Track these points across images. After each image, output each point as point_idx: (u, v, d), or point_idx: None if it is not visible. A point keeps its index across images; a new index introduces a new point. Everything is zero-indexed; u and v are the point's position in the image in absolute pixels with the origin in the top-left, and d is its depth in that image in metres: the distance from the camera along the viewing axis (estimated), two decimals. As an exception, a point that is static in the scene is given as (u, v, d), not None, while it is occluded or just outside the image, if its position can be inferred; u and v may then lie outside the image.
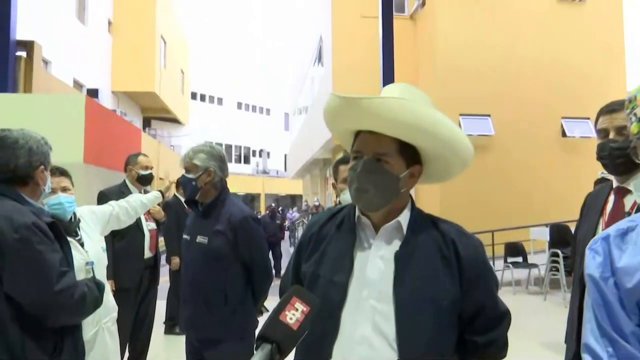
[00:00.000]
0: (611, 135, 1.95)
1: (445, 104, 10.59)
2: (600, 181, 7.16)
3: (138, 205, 3.10)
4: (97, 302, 1.87)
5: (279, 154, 40.32)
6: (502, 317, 1.36)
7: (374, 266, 1.30)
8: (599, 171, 11.43)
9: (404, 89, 1.35)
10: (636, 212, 1.87)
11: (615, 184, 2.02)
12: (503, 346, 1.37)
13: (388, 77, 7.74)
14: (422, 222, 1.36)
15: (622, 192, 1.97)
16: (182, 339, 5.50)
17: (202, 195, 2.54)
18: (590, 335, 1.13)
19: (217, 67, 36.82)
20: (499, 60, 10.91)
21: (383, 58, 7.68)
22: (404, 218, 1.34)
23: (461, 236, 1.33)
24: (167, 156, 16.26)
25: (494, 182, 10.74)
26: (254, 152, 39.28)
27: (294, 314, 0.98)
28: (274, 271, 2.81)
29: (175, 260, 5.65)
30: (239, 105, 39.39)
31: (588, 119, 11.33)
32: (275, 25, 39.86)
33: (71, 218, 2.42)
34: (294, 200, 37.71)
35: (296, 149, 25.40)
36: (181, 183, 2.57)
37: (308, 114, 20.06)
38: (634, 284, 1.05)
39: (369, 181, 1.29)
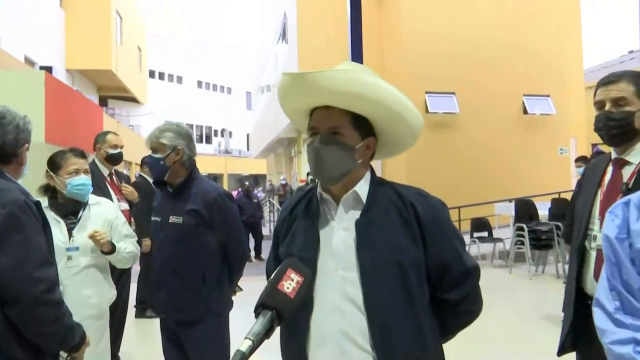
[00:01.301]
0: (607, 107, 1.95)
1: (411, 82, 10.63)
2: (581, 158, 7.37)
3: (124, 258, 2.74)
4: (66, 333, 1.69)
5: (241, 133, 39.89)
6: (470, 272, 1.41)
7: (339, 238, 1.37)
8: (558, 148, 11.83)
9: (351, 64, 1.43)
10: (634, 183, 1.89)
11: (613, 155, 2.03)
12: (475, 300, 1.43)
13: (356, 55, 7.64)
14: (382, 190, 1.41)
15: (621, 163, 1.98)
16: (153, 322, 5.47)
17: (172, 175, 2.47)
18: (602, 291, 1.24)
19: (176, 44, 35.81)
20: (463, 41, 11.00)
21: (351, 36, 7.58)
22: (361, 188, 1.40)
23: (420, 198, 1.39)
24: (126, 136, 15.65)
25: (459, 159, 10.92)
26: (215, 131, 38.68)
27: (290, 284, 1.05)
28: (254, 252, 2.76)
29: (147, 242, 5.50)
30: (199, 84, 38.62)
31: (548, 96, 11.65)
32: (236, 2, 38.89)
33: None
34: (257, 180, 37.41)
35: (260, 128, 25.14)
36: (148, 163, 2.51)
37: (272, 92, 19.78)
38: None
39: (327, 154, 1.34)
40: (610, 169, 2.02)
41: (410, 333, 1.31)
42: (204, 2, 38.38)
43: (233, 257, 2.50)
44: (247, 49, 35.32)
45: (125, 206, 3.97)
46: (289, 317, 1.04)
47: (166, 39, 34.61)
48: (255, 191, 24.83)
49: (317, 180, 1.41)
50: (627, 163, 1.96)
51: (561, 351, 2.09)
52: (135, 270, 4.75)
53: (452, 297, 1.39)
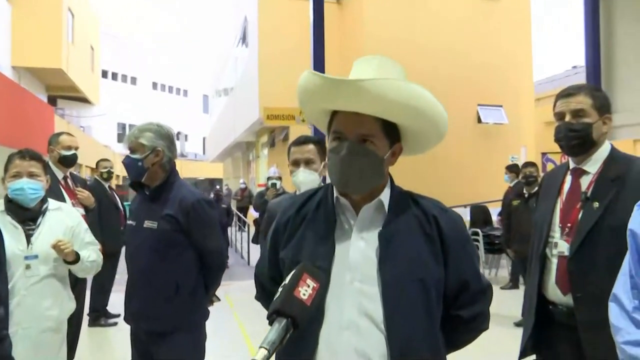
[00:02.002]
0: (567, 119, 2.03)
1: (371, 89, 10.74)
2: (512, 167, 7.65)
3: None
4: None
5: (197, 136, 39.15)
6: (485, 291, 1.38)
7: (356, 248, 1.27)
8: (510, 156, 12.27)
9: (381, 65, 1.29)
10: (592, 192, 1.97)
11: (571, 165, 2.11)
12: (485, 319, 1.39)
13: (318, 59, 7.69)
14: (403, 199, 1.34)
15: (579, 173, 2.06)
16: (107, 331, 5.29)
17: (150, 177, 2.38)
18: (620, 287, 1.18)
19: (131, 44, 34.78)
20: (421, 49, 11.25)
21: (314, 40, 7.61)
22: (385, 197, 1.32)
23: (442, 212, 1.33)
24: (77, 138, 15.05)
25: (416, 165, 11.08)
26: (170, 134, 37.73)
27: (306, 290, 1.00)
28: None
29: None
30: (154, 85, 37.70)
31: (501, 106, 12.08)
32: (194, 3, 38.28)
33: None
34: (213, 184, 36.84)
35: (217, 131, 24.78)
36: (126, 164, 2.39)
37: (231, 95, 19.57)
38: None
39: (355, 166, 1.24)
40: (568, 179, 2.10)
41: (429, 354, 1.25)
42: (160, 2, 37.55)
43: (210, 266, 2.42)
44: (205, 52, 34.76)
45: (81, 211, 3.81)
46: (304, 324, 1.00)
47: (120, 39, 33.55)
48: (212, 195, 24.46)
49: (340, 189, 1.30)
50: (585, 172, 2.04)
51: (522, 354, 2.15)
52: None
53: (465, 315, 1.33)
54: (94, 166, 6.19)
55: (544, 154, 11.10)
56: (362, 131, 1.25)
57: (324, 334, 1.22)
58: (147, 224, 2.31)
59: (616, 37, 7.56)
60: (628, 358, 1.10)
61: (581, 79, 12.43)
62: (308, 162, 2.52)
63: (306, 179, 2.52)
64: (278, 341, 0.94)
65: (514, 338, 3.95)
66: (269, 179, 7.04)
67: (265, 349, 0.92)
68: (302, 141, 2.57)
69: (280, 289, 1.01)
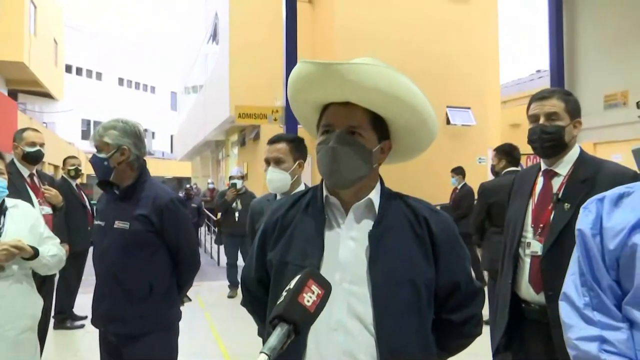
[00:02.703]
0: (541, 121, 2.08)
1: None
2: (457, 170, 7.73)
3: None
4: None
5: (164, 134, 38.53)
6: (476, 293, 1.37)
7: (346, 247, 1.26)
8: (477, 157, 12.51)
9: (373, 59, 1.27)
10: (563, 193, 2.03)
11: (543, 167, 2.16)
12: (478, 323, 1.37)
13: (290, 56, 7.64)
14: (393, 200, 1.33)
15: (550, 175, 2.12)
16: (74, 333, 5.15)
17: (118, 177, 2.33)
18: (571, 285, 1.22)
19: (96, 38, 33.91)
20: (391, 48, 11.35)
21: (286, 37, 7.57)
22: (375, 196, 1.31)
23: (432, 213, 1.33)
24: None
25: (385, 165, 11.23)
26: (137, 131, 36.95)
27: (311, 297, 0.99)
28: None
29: (65, 247, 5.14)
30: (121, 81, 36.90)
31: (469, 108, 12.32)
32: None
33: None
34: (181, 183, 36.29)
35: (186, 129, 24.39)
36: (92, 163, 2.34)
37: (201, 93, 19.30)
38: (616, 243, 1.15)
39: (343, 155, 1.24)
40: (540, 180, 2.15)
41: (420, 356, 1.24)
42: (127, -4, 36.70)
43: (184, 267, 2.38)
44: (174, 48, 34.23)
45: (48, 210, 3.70)
46: (306, 331, 0.97)
47: (86, 32, 32.69)
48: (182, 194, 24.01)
49: (328, 182, 1.29)
50: (557, 174, 2.10)
51: (496, 353, 2.20)
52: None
53: (456, 319, 1.32)
54: (58, 164, 6.02)
55: (509, 155, 11.38)
56: (350, 122, 1.25)
57: (312, 335, 1.20)
58: (118, 224, 2.26)
59: (579, 42, 7.84)
60: (582, 354, 1.14)
61: (545, 82, 12.81)
62: (278, 162, 2.52)
63: (273, 178, 2.52)
64: (279, 347, 0.93)
65: (482, 337, 4.05)
66: (230, 178, 7.01)
67: (266, 354, 0.91)
68: (274, 140, 2.57)
69: (284, 294, 1.00)
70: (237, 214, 6.83)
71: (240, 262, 7.04)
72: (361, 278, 1.23)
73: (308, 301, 0.98)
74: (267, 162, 2.56)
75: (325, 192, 1.32)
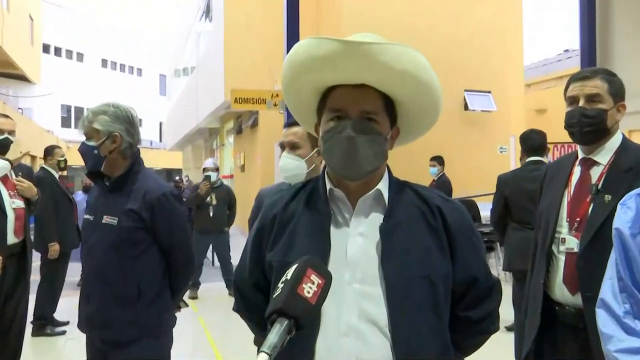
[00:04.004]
0: (581, 103, 2.04)
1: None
2: (437, 158, 7.76)
3: None
4: None
5: (153, 121, 38.56)
6: (494, 287, 1.38)
7: (355, 244, 1.26)
8: (498, 147, 12.47)
9: (379, 38, 1.28)
10: (603, 184, 2.00)
11: (580, 155, 2.13)
12: (495, 319, 1.39)
13: (292, 36, 7.58)
14: (402, 189, 1.34)
15: (589, 164, 2.09)
16: (55, 340, 5.16)
17: (109, 167, 2.32)
18: (608, 291, 1.21)
19: (77, 16, 33.84)
20: (404, 30, 11.28)
21: (287, 16, 7.51)
22: (384, 186, 1.31)
23: (445, 202, 1.33)
24: (14, 121, 14.52)
25: (398, 154, 11.18)
26: (123, 118, 37.04)
27: (311, 287, 0.99)
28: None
29: (55, 247, 5.19)
30: (104, 63, 37.01)
31: (489, 92, 12.25)
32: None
33: None
34: (171, 175, 36.41)
35: (176, 116, 24.43)
36: (81, 152, 2.33)
37: (193, 76, 19.28)
38: None
39: (362, 145, 1.23)
40: (577, 169, 2.12)
41: (438, 358, 1.25)
42: (110, -32, 36.58)
43: (178, 268, 2.37)
44: (163, 26, 34.12)
45: (20, 203, 3.67)
46: (308, 325, 0.99)
47: (66, 9, 32.62)
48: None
49: (343, 174, 1.27)
50: (596, 163, 2.07)
51: (525, 359, 2.18)
52: (35, 280, 4.45)
53: (475, 315, 1.34)
54: (35, 154, 6.00)
55: (534, 144, 11.34)
56: (365, 107, 1.25)
57: (321, 342, 1.20)
58: (107, 219, 2.26)
59: (613, 17, 7.73)
60: None
61: (574, 63, 12.74)
62: (293, 147, 2.48)
63: (286, 166, 2.48)
64: (280, 344, 0.92)
65: (507, 343, 4.04)
66: (204, 170, 7.01)
67: (267, 353, 0.90)
68: (291, 122, 2.53)
69: (280, 285, 0.99)
70: (211, 209, 6.82)
71: (217, 262, 7.05)
72: (373, 277, 1.23)
73: (308, 292, 0.98)
74: (282, 147, 2.54)
75: (329, 184, 1.31)
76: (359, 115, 1.24)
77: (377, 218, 1.28)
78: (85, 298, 2.34)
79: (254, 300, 1.41)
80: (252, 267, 1.40)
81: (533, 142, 4.29)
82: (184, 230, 2.40)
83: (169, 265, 2.35)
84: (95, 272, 2.30)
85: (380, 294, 1.22)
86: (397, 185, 1.34)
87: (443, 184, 7.39)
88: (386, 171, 1.34)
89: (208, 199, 6.82)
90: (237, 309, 1.49)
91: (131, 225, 2.23)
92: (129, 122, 2.34)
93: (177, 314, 2.53)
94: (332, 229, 1.28)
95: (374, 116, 1.25)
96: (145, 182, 2.31)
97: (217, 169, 7.07)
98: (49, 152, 5.55)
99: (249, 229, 3.18)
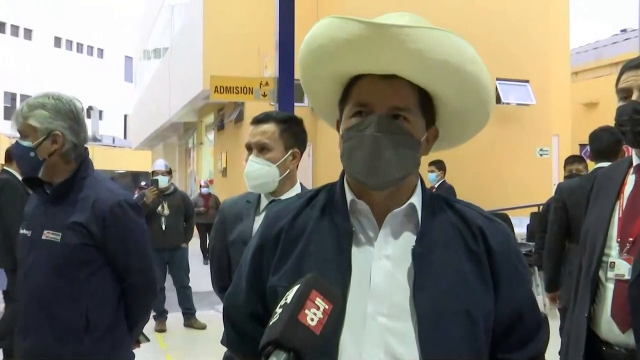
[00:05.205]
0: (634, 97, 2.04)
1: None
2: (437, 163, 7.81)
3: None
4: None
5: (116, 113, 38.83)
6: (540, 325, 1.38)
7: (380, 269, 1.27)
8: (537, 148, 12.50)
9: (417, 21, 1.28)
10: None
11: (635, 161, 2.13)
12: None
13: (285, 12, 7.61)
14: (437, 204, 1.35)
15: None
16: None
17: (48, 172, 2.33)
18: None
19: (25, -16, 34.06)
20: (425, 7, 11.32)
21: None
22: (417, 200, 1.32)
23: (488, 222, 1.34)
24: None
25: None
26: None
27: (315, 313, 0.98)
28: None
29: None
30: (57, 41, 37.35)
31: (527, 82, 12.29)
32: None
33: None
34: (137, 179, 36.51)
35: (144, 107, 24.58)
36: (15, 155, 2.38)
37: (165, 58, 19.37)
38: None
39: (389, 147, 1.24)
40: (631, 179, 2.13)
41: None
42: None
43: (135, 294, 2.39)
44: (128, 1, 34.37)
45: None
46: None
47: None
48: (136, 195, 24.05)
49: (367, 181, 1.27)
50: None
51: None
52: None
53: (518, 359, 1.34)
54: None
55: (582, 145, 11.35)
56: (395, 102, 1.26)
57: None
58: (48, 235, 2.27)
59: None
60: None
61: (634, 46, 12.78)
62: (262, 149, 2.48)
63: (253, 172, 2.46)
64: None
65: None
66: (153, 173, 7.02)
67: None
68: (260, 119, 2.54)
69: (278, 311, 0.99)
70: (163, 221, 6.83)
71: (170, 284, 7.04)
72: (402, 309, 1.24)
73: (312, 320, 0.97)
74: (249, 148, 2.53)
75: (350, 195, 1.32)
76: (387, 111, 1.25)
77: (408, 238, 1.29)
78: (21, 331, 2.35)
79: (250, 333, 1.39)
80: (249, 294, 1.39)
81: (599, 143, 4.19)
82: (144, 248, 2.41)
83: (125, 290, 2.37)
84: (33, 299, 2.30)
85: (410, 331, 1.23)
86: (431, 200, 1.34)
87: (446, 193, 7.42)
88: (419, 182, 1.35)
89: (159, 208, 6.82)
90: (227, 342, 1.49)
91: (77, 242, 2.24)
92: (72, 118, 2.34)
93: (136, 351, 2.54)
94: (354, 250, 1.28)
95: (405, 113, 1.26)
96: (95, 189, 2.31)
97: (169, 172, 7.09)
98: (6, 153, 5.56)
99: (209, 251, 3.16)
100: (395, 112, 1.25)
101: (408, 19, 1.29)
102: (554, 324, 3.92)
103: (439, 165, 7.80)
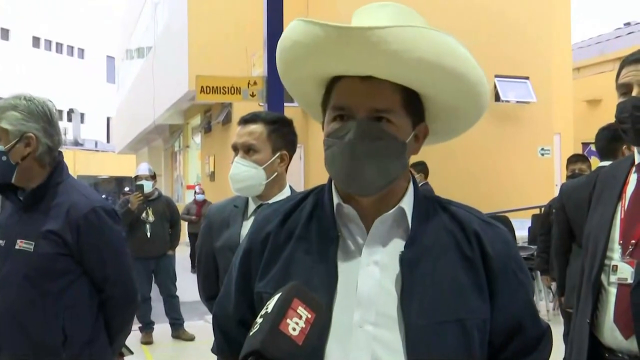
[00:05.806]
0: (635, 92, 2.04)
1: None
2: (418, 166, 7.74)
3: None
4: None
5: (98, 116, 38.73)
6: (543, 336, 1.37)
7: (368, 276, 1.27)
8: (538, 147, 12.53)
9: (399, 12, 1.28)
10: None
11: (638, 159, 2.13)
12: None
13: (274, 9, 7.60)
14: (430, 207, 1.34)
15: None
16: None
17: (22, 177, 2.32)
18: None
19: (1, -18, 34.01)
20: (420, 4, 11.35)
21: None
22: (407, 203, 1.31)
23: (485, 226, 1.33)
24: None
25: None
26: (59, 112, 37.13)
27: (298, 323, 0.99)
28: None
29: None
30: (36, 41, 37.29)
31: (526, 79, 12.32)
32: None
33: None
34: (121, 185, 36.47)
35: (128, 109, 24.59)
36: None
37: (149, 58, 19.35)
38: None
39: (370, 154, 1.23)
40: (633, 178, 2.13)
41: None
42: None
43: (114, 306, 2.38)
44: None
45: None
46: None
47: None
48: (118, 203, 23.95)
49: (347, 189, 1.29)
50: None
51: None
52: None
53: None
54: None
55: (585, 144, 11.39)
56: (375, 105, 1.24)
57: None
58: (21, 244, 2.26)
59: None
60: None
61: (637, 40, 12.85)
62: (249, 150, 2.48)
63: (239, 175, 2.47)
64: None
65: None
66: (136, 178, 7.00)
67: None
68: (246, 119, 2.55)
69: (259, 321, 1.00)
70: (148, 228, 6.83)
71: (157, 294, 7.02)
72: (390, 318, 1.24)
73: (294, 329, 0.98)
74: (235, 149, 2.53)
75: (336, 199, 1.32)
76: (367, 114, 1.24)
77: (397, 244, 1.29)
78: None
79: (239, 339, 1.38)
80: (238, 301, 1.41)
81: (597, 142, 4.24)
82: (122, 257, 2.40)
83: (103, 302, 2.36)
84: (6, 313, 2.29)
85: (398, 340, 1.23)
86: (424, 202, 1.34)
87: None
88: (411, 183, 1.35)
89: (143, 214, 6.81)
90: (217, 350, 1.51)
91: (51, 252, 2.23)
92: (46, 120, 2.34)
93: None
94: (340, 256, 1.29)
95: (387, 115, 1.25)
96: (70, 195, 2.31)
97: (153, 177, 7.08)
98: None
99: (196, 259, 3.17)
100: (376, 114, 1.24)
101: (390, 10, 1.28)
102: (558, 330, 3.93)
103: (419, 167, 7.74)
